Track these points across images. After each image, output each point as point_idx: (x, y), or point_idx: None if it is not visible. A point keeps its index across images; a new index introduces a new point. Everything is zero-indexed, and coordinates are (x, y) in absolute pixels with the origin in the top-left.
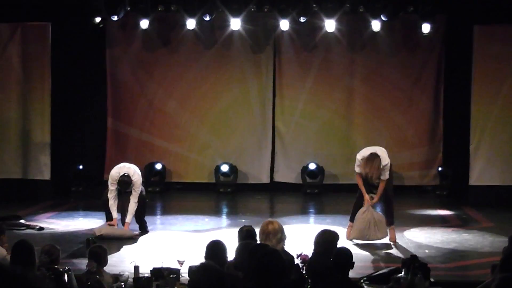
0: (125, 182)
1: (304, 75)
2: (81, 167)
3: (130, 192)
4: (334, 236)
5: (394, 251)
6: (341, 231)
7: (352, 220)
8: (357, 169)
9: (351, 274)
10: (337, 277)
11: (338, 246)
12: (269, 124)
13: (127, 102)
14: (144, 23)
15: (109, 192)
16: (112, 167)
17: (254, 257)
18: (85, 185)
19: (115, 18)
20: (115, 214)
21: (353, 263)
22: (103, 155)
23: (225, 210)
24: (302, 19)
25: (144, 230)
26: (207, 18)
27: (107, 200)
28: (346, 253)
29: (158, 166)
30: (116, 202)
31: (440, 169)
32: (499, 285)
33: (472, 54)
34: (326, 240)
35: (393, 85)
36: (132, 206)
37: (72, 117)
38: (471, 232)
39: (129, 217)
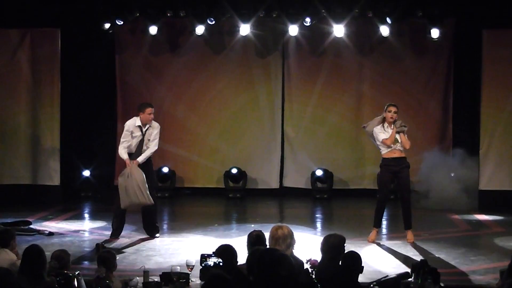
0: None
1: (313, 80)
2: (87, 174)
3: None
4: (340, 240)
5: (404, 256)
6: (350, 236)
7: (376, 226)
8: (383, 136)
9: (361, 278)
10: (346, 281)
11: (347, 250)
12: (278, 129)
13: (136, 107)
14: (153, 29)
15: (120, 143)
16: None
17: (263, 262)
18: (94, 190)
19: (121, 22)
20: (125, 156)
21: (362, 267)
22: (112, 160)
23: (234, 215)
24: (309, 23)
25: (152, 235)
26: (212, 22)
27: (117, 211)
28: (355, 257)
29: (167, 171)
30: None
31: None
32: None
33: (481, 58)
34: (333, 244)
35: (402, 90)
36: (151, 149)
37: (81, 122)
38: (481, 237)
39: (142, 158)
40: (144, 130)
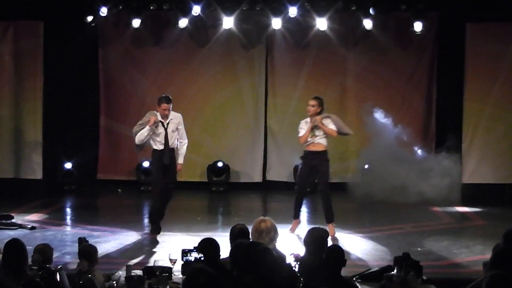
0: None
1: (296, 73)
2: (68, 166)
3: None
4: (323, 233)
5: (386, 249)
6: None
7: (295, 217)
8: (300, 133)
9: (343, 272)
10: (329, 275)
11: (330, 243)
12: (262, 122)
13: (120, 100)
14: (136, 22)
15: (136, 125)
16: (105, 166)
17: (246, 256)
18: (77, 184)
19: (104, 13)
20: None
21: (345, 260)
22: (96, 154)
23: (217, 209)
24: (293, 15)
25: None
26: (197, 13)
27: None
28: (338, 250)
29: (149, 164)
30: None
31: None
32: (489, 282)
33: (464, 52)
34: (316, 238)
35: (386, 84)
36: (183, 147)
37: (64, 116)
38: (463, 230)
39: (181, 158)
40: (165, 124)
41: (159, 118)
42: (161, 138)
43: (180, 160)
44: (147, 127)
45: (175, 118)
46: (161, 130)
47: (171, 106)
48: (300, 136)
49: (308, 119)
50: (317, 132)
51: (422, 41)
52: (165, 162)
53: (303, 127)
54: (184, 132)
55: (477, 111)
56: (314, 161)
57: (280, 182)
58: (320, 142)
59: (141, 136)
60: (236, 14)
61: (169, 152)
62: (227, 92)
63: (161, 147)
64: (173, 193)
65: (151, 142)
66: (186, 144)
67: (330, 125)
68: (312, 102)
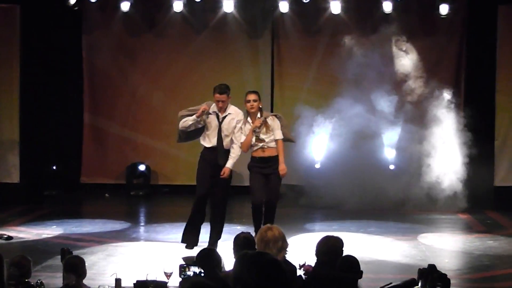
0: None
1: (306, 62)
2: (49, 168)
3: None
4: (338, 242)
5: (409, 260)
6: (349, 238)
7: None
8: (242, 138)
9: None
10: None
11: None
12: None
13: (106, 94)
14: (126, 5)
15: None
16: (90, 168)
17: (251, 268)
18: (59, 189)
19: None
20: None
21: (361, 272)
22: (79, 155)
23: None
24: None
25: (215, 240)
26: None
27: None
28: (351, 260)
29: (142, 167)
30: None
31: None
32: None
33: (496, 37)
34: (330, 247)
35: (408, 73)
36: (236, 151)
37: (44, 112)
38: (497, 239)
39: (230, 162)
40: (221, 117)
41: (214, 109)
42: (212, 133)
43: (229, 164)
44: (194, 117)
45: (236, 114)
46: (214, 123)
47: (226, 97)
48: (241, 142)
49: (249, 119)
50: (262, 135)
51: (449, 26)
52: (219, 162)
53: (243, 131)
54: (241, 134)
55: (511, 104)
56: (268, 170)
57: (289, 186)
58: (271, 145)
59: (184, 122)
60: None
61: (225, 152)
62: (228, 84)
63: (211, 143)
64: (220, 205)
65: (201, 137)
66: (240, 149)
67: (276, 130)
68: (254, 96)
